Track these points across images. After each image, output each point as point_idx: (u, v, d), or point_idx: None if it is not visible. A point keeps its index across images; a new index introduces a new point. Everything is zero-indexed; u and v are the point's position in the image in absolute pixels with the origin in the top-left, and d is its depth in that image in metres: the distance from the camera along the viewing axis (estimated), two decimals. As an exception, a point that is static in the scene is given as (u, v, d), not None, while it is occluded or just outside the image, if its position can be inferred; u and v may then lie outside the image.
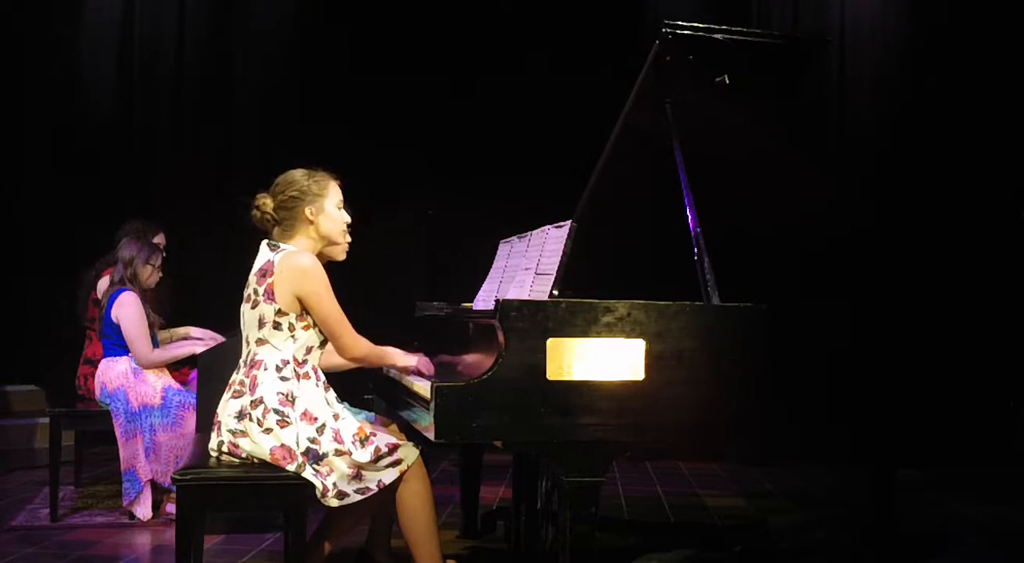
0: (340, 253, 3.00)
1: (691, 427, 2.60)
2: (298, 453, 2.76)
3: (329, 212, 2.92)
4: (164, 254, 4.47)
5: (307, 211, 2.89)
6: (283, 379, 2.83)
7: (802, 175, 3.38)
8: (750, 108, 3.24)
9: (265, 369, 2.83)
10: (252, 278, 2.88)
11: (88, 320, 4.41)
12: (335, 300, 2.85)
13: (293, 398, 2.82)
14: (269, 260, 2.85)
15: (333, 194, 2.95)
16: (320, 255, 2.95)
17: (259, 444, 2.77)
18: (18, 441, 5.83)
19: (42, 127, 6.37)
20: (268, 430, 2.77)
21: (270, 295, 2.81)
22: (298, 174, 2.94)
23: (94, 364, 4.28)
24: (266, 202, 2.92)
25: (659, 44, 2.99)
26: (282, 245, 2.89)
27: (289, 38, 6.74)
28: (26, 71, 6.33)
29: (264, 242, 2.92)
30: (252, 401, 2.80)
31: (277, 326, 2.83)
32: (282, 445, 2.76)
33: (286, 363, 2.84)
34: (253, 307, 2.87)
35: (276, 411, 2.78)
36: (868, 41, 6.17)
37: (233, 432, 2.81)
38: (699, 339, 2.58)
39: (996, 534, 4.10)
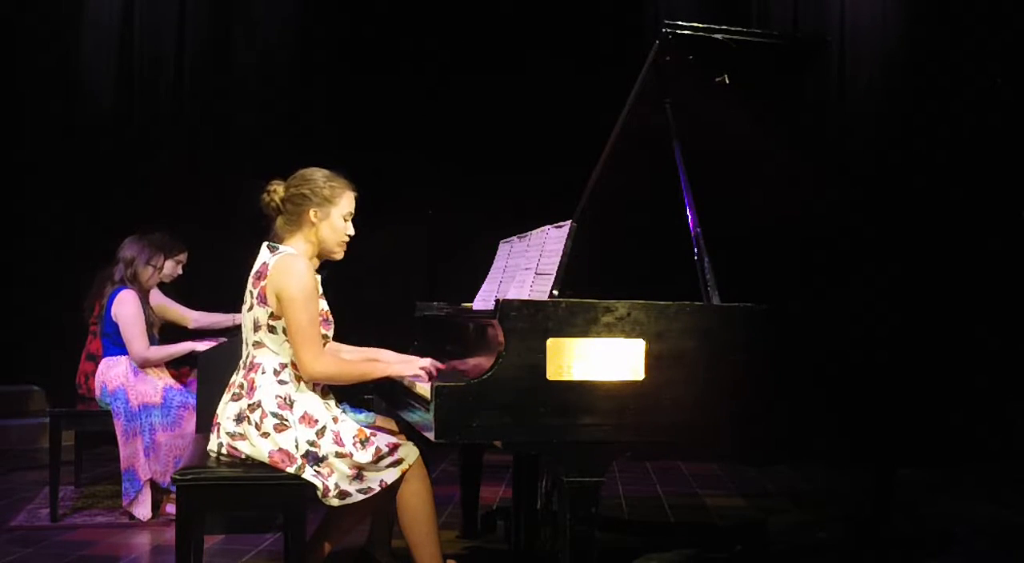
0: (338, 255, 3.00)
1: (691, 427, 2.59)
2: (297, 456, 2.75)
3: (333, 220, 2.91)
4: (181, 272, 4.57)
5: (311, 213, 2.88)
6: (281, 383, 2.83)
7: (802, 175, 3.38)
8: (750, 108, 3.24)
9: (263, 373, 2.83)
10: (249, 280, 2.88)
11: (95, 317, 4.41)
12: (310, 312, 2.78)
13: (291, 401, 2.81)
14: (265, 262, 2.84)
15: (344, 204, 2.92)
16: (320, 253, 2.95)
17: (257, 447, 2.77)
18: (18, 441, 5.83)
19: (42, 126, 6.37)
20: (266, 434, 2.77)
21: (263, 298, 2.81)
22: (318, 174, 2.92)
23: (96, 361, 4.28)
24: (277, 189, 2.91)
25: (659, 44, 2.99)
26: (280, 246, 2.88)
27: (289, 38, 6.74)
28: (27, 69, 6.33)
29: (264, 243, 2.92)
30: (250, 404, 2.80)
31: (272, 329, 2.83)
32: (280, 449, 2.76)
33: (284, 367, 2.84)
34: (249, 310, 2.87)
35: (274, 415, 2.78)
36: (868, 41, 6.17)
37: (232, 435, 2.81)
38: (699, 339, 2.58)
39: (996, 534, 4.10)
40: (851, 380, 2.75)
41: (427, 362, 2.90)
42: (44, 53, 6.35)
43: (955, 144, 5.78)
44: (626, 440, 2.53)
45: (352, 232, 2.96)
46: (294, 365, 2.85)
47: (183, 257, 4.56)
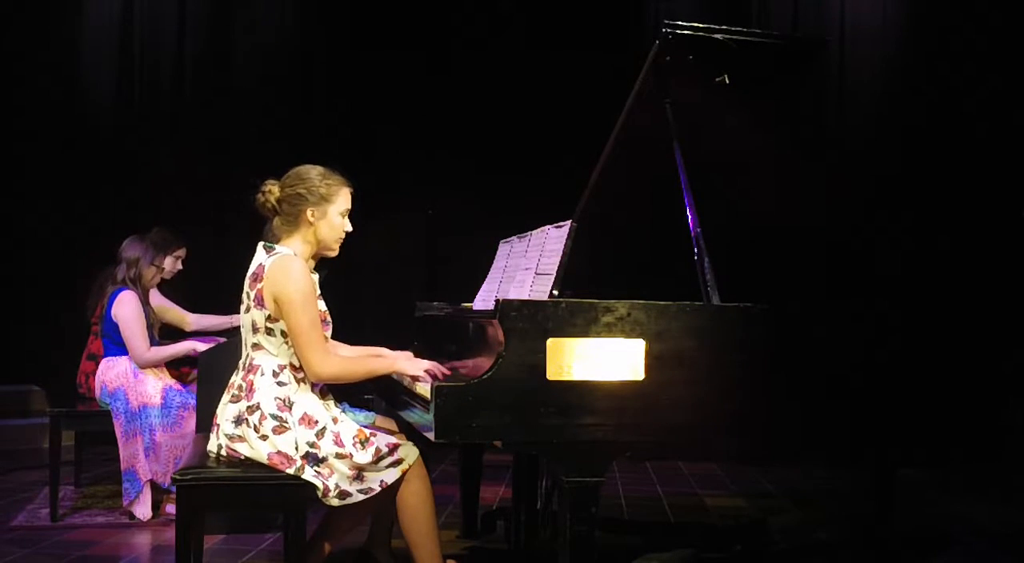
0: (334, 252, 2.99)
1: (691, 427, 2.59)
2: (296, 458, 2.75)
3: (331, 218, 2.89)
4: (181, 267, 4.54)
5: (309, 212, 2.87)
6: (280, 384, 2.82)
7: (802, 175, 3.38)
8: (750, 108, 3.24)
9: (262, 374, 2.83)
10: (246, 282, 2.87)
11: (96, 317, 4.41)
12: (311, 313, 2.77)
13: (291, 403, 2.81)
14: (261, 264, 2.83)
15: (340, 201, 2.91)
16: (316, 252, 2.94)
17: (257, 449, 2.77)
18: (18, 441, 5.83)
19: (42, 126, 6.37)
20: (264, 437, 2.76)
21: (260, 301, 2.80)
22: (313, 172, 2.90)
23: (97, 360, 4.29)
24: (272, 189, 2.89)
25: (659, 44, 2.98)
26: (277, 247, 2.87)
27: (288, 37, 6.74)
28: (27, 69, 6.33)
29: (260, 244, 2.91)
30: (249, 406, 2.79)
31: (270, 332, 2.82)
32: (279, 451, 2.75)
33: (283, 368, 2.84)
34: (246, 311, 2.86)
35: (273, 417, 2.78)
36: (868, 41, 6.17)
37: (231, 437, 2.81)
38: (699, 339, 2.58)
39: (996, 534, 4.10)
40: (851, 380, 2.75)
41: (432, 365, 2.87)
42: (44, 51, 6.35)
43: (955, 144, 5.78)
44: (626, 440, 2.53)
45: (349, 228, 2.95)
46: (293, 367, 2.84)
47: (182, 253, 4.55)
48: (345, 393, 3.07)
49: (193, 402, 4.06)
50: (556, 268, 2.74)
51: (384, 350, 3.19)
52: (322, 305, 2.93)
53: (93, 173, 6.35)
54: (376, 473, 2.80)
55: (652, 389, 2.53)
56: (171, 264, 4.51)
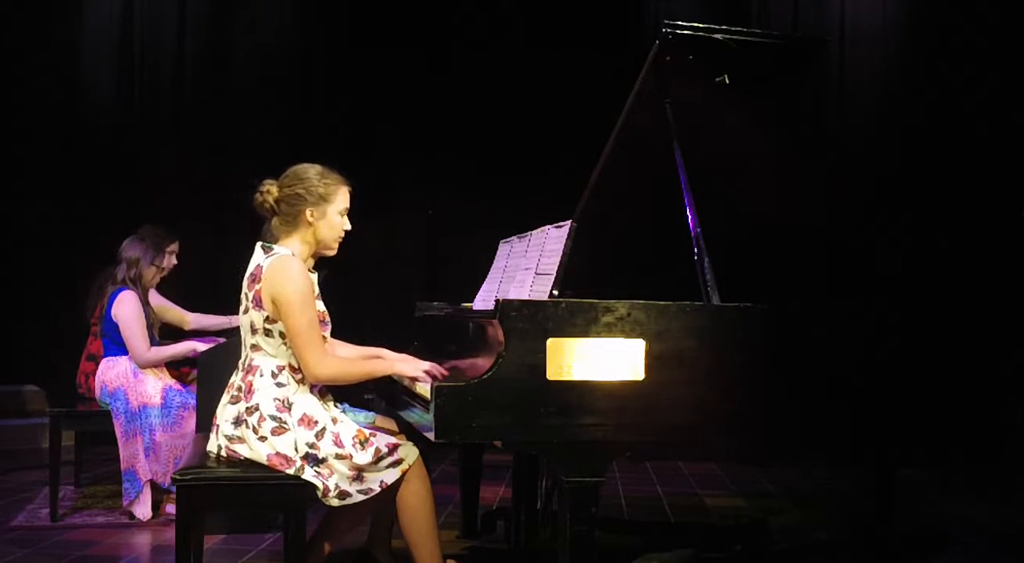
0: (332, 251, 2.98)
1: (691, 427, 2.60)
2: (296, 458, 2.75)
3: (330, 218, 2.88)
4: (176, 262, 4.51)
5: (308, 212, 2.86)
6: (279, 385, 2.82)
7: (802, 175, 3.38)
8: (750, 108, 3.24)
9: (261, 375, 2.82)
10: (244, 282, 2.87)
11: (96, 318, 4.41)
12: (309, 314, 2.76)
13: (290, 404, 2.81)
14: (259, 265, 2.83)
15: (339, 200, 2.90)
16: (315, 252, 2.94)
17: (256, 451, 2.77)
18: (18, 441, 5.83)
19: (42, 127, 6.37)
20: (263, 438, 2.76)
21: (258, 302, 2.80)
22: (312, 171, 2.89)
23: (97, 361, 4.29)
24: (271, 189, 2.87)
25: (659, 44, 2.98)
26: (275, 247, 2.87)
27: (289, 37, 6.73)
28: (27, 69, 6.33)
29: (258, 244, 2.90)
30: (248, 407, 2.79)
31: (268, 332, 2.82)
32: (278, 453, 2.75)
33: (281, 369, 2.83)
34: (245, 312, 2.86)
35: (272, 418, 2.77)
36: (868, 41, 6.17)
37: (230, 438, 2.80)
38: (699, 339, 2.58)
39: (996, 534, 4.10)
40: (851, 380, 2.75)
41: (430, 365, 2.87)
42: (44, 51, 6.35)
43: (955, 144, 5.78)
44: (626, 440, 2.53)
45: (348, 227, 2.95)
46: (292, 367, 2.84)
47: (175, 247, 4.52)
48: (345, 393, 3.07)
49: (193, 402, 4.06)
50: (556, 268, 2.74)
51: (384, 351, 3.18)
52: (321, 305, 2.92)
53: (93, 173, 6.34)
54: (376, 473, 2.80)
55: (652, 389, 2.53)
56: (167, 260, 4.50)
